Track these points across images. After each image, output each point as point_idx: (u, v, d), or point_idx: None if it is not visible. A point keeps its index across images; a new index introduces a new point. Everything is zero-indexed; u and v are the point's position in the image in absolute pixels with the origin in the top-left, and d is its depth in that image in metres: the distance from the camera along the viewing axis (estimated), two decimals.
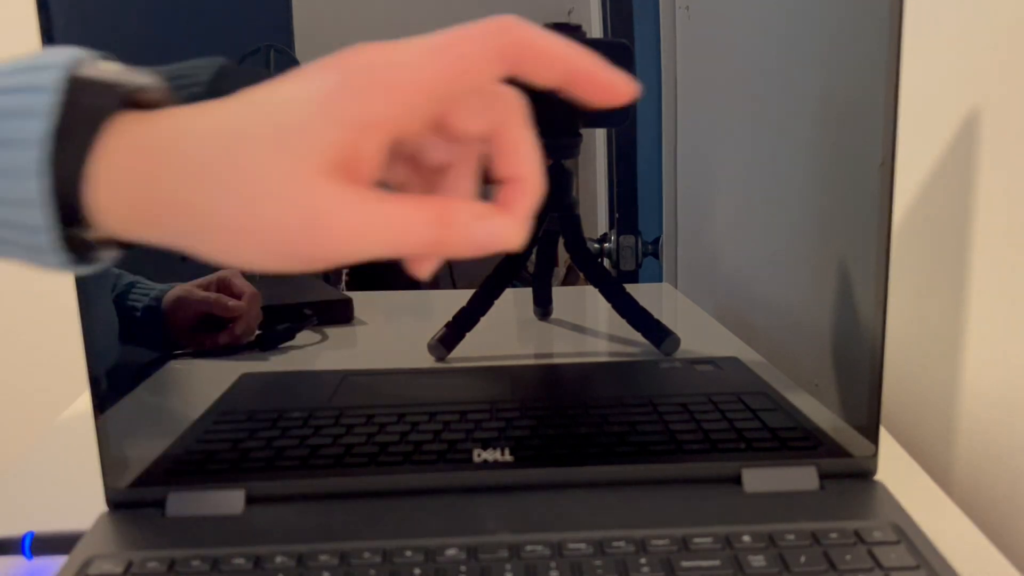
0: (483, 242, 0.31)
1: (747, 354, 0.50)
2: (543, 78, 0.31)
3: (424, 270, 0.32)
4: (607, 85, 0.32)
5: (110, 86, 0.31)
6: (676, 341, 0.51)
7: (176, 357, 0.48)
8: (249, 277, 0.48)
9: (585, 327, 0.52)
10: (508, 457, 0.49)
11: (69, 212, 0.30)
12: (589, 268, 0.49)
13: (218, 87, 0.40)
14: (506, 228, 0.31)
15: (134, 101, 0.31)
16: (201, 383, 0.49)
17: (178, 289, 0.48)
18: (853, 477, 0.49)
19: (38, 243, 0.30)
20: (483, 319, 0.53)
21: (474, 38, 0.30)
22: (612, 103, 0.32)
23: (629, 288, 0.50)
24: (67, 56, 0.31)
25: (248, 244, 0.29)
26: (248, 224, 0.29)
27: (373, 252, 0.30)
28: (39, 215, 0.30)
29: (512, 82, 0.33)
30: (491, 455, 0.49)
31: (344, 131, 0.29)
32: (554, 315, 0.51)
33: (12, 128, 0.29)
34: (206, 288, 0.48)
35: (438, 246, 0.30)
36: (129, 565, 0.42)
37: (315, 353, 0.48)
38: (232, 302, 0.48)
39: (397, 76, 0.30)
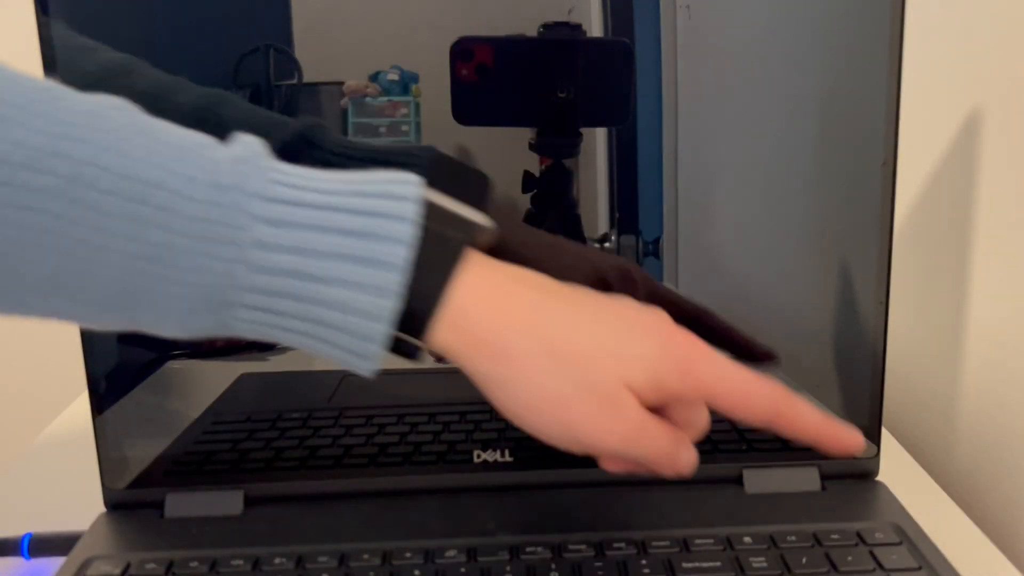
0: (685, 471, 0.38)
1: None
2: (743, 419, 0.37)
3: (615, 467, 0.39)
4: (828, 441, 0.39)
5: (463, 222, 0.35)
6: None
7: (175, 357, 0.48)
8: None
9: None
10: (508, 458, 0.49)
11: (410, 327, 0.34)
12: None
13: (434, 172, 0.42)
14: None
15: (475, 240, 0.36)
16: (200, 383, 0.49)
17: None
18: (854, 478, 0.49)
19: (365, 351, 0.34)
20: None
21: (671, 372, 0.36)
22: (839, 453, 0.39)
23: None
24: (417, 185, 0.34)
25: (541, 417, 0.36)
26: (556, 404, 0.35)
27: (630, 451, 0.36)
28: (381, 330, 0.33)
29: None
30: (491, 456, 0.49)
31: (652, 379, 0.36)
32: None
33: (376, 250, 0.33)
34: None
35: (661, 463, 0.37)
36: (127, 566, 0.42)
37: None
38: None
39: (698, 367, 0.36)
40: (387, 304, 0.33)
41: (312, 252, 0.33)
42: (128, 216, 0.31)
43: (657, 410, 0.38)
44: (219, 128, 0.40)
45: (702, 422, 0.39)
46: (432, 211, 0.34)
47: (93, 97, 0.33)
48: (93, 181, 0.31)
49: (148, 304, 0.32)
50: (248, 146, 0.34)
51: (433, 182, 0.39)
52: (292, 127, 0.44)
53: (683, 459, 0.38)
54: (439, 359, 0.50)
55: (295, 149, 0.44)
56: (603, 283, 0.44)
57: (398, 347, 0.35)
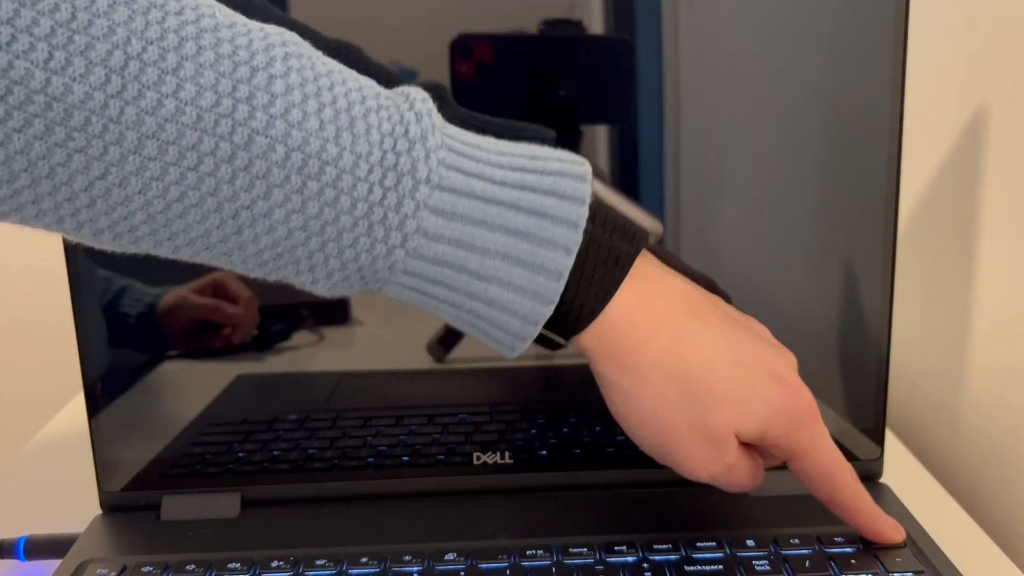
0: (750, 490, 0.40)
1: None
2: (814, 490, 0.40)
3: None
4: (872, 534, 0.41)
5: (630, 230, 0.35)
6: None
7: (171, 358, 0.48)
8: (244, 279, 0.47)
9: None
10: (508, 460, 0.49)
11: (558, 327, 0.35)
12: None
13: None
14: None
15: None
16: (196, 385, 0.48)
17: (173, 296, 0.47)
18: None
19: (511, 344, 0.35)
20: None
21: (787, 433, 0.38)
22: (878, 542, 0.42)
23: None
24: (587, 182, 0.34)
25: (648, 434, 0.37)
26: (667, 429, 0.36)
27: (714, 483, 0.38)
28: (531, 331, 0.34)
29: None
30: (491, 458, 0.49)
31: (762, 430, 0.37)
32: None
33: (539, 255, 0.33)
34: (201, 292, 0.47)
35: (734, 490, 0.39)
36: (123, 569, 0.42)
37: (311, 354, 0.47)
38: (231, 308, 0.48)
39: (804, 432, 0.38)
40: (543, 310, 0.33)
41: (475, 247, 0.32)
42: (296, 189, 0.30)
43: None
44: None
45: (783, 459, 0.40)
46: (603, 215, 0.35)
47: (262, 35, 0.31)
48: (264, 151, 0.30)
49: (305, 269, 0.33)
50: (424, 117, 0.32)
51: None
52: (419, 84, 0.42)
53: (752, 485, 0.40)
54: (439, 359, 0.50)
55: None
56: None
57: (542, 340, 0.36)
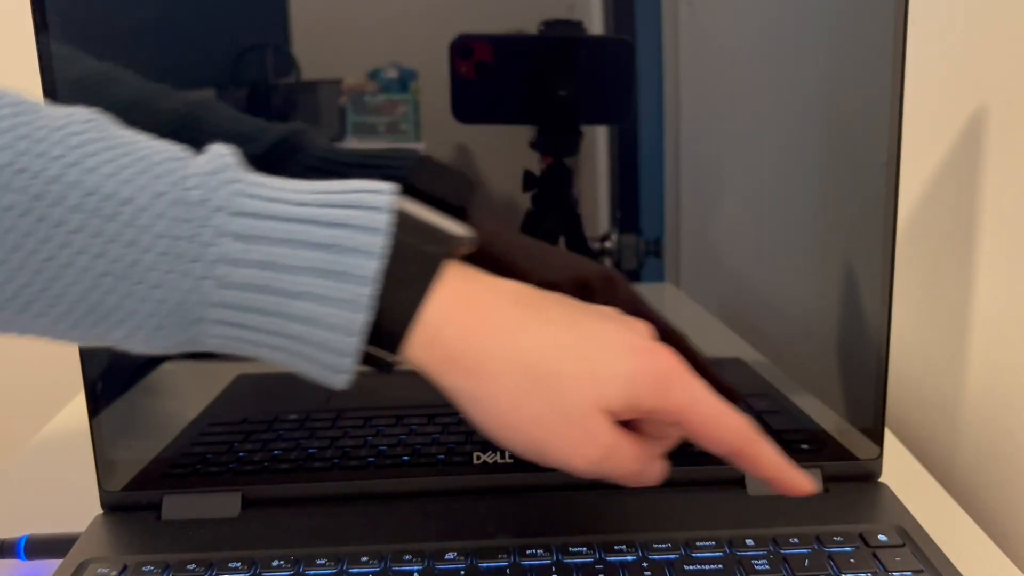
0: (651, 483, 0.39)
1: (750, 355, 0.50)
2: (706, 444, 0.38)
3: (583, 475, 0.38)
4: (782, 483, 0.39)
5: (440, 234, 0.35)
6: None
7: (171, 358, 0.48)
8: None
9: None
10: (508, 459, 0.49)
11: (382, 342, 0.34)
12: None
13: (419, 176, 0.42)
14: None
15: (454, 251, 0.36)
16: (196, 385, 0.48)
17: None
18: (858, 480, 0.49)
19: (337, 365, 0.33)
20: None
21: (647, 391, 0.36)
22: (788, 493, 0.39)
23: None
24: (389, 194, 0.34)
25: (513, 435, 0.35)
26: (530, 424, 0.35)
27: (597, 471, 0.36)
28: (352, 343, 0.33)
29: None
30: (491, 457, 0.49)
31: (628, 398, 0.35)
32: None
33: (345, 263, 0.32)
34: None
35: (627, 480, 0.38)
36: (124, 568, 0.42)
37: None
38: None
39: (675, 388, 0.36)
40: (357, 318, 0.33)
41: (280, 266, 0.32)
42: (95, 233, 0.31)
43: (632, 421, 0.38)
44: (203, 135, 0.41)
45: (675, 435, 0.39)
46: (406, 222, 0.34)
47: (66, 110, 0.32)
48: (59, 199, 0.31)
49: (117, 321, 0.32)
50: (219, 158, 0.33)
51: (417, 185, 0.40)
52: (276, 132, 0.44)
53: (649, 475, 0.39)
54: None
55: (279, 155, 0.43)
56: (587, 289, 0.44)
57: (371, 360, 0.34)
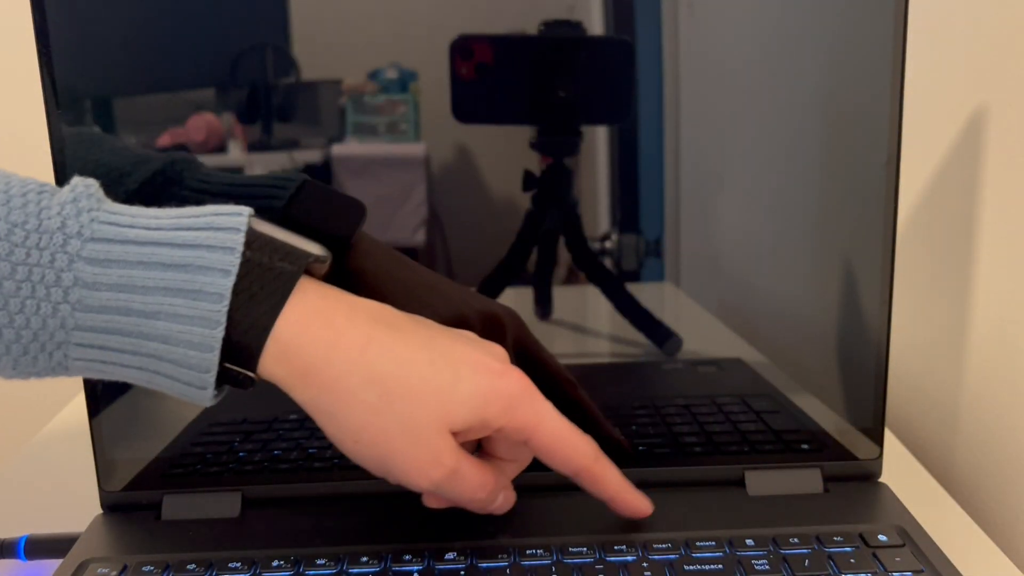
0: (499, 512, 0.41)
1: (750, 355, 0.50)
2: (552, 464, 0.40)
3: (433, 504, 0.41)
4: (621, 504, 0.42)
5: (293, 253, 0.36)
6: (678, 342, 0.50)
7: None
8: None
9: (586, 327, 0.52)
10: None
11: (239, 358, 0.35)
12: (590, 267, 0.49)
13: (299, 202, 0.43)
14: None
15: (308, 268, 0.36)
16: None
17: None
18: (857, 480, 0.49)
19: (198, 382, 0.34)
20: None
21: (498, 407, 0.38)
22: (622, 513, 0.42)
23: (631, 288, 0.49)
24: (240, 217, 0.35)
25: (363, 450, 0.36)
26: (378, 439, 0.36)
27: (441, 493, 0.38)
28: (210, 359, 0.34)
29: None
30: None
31: (476, 418, 0.37)
32: (554, 315, 0.51)
33: (198, 281, 0.33)
34: None
35: (472, 506, 0.39)
36: (124, 568, 0.42)
37: None
38: None
39: (522, 407, 0.38)
40: (213, 334, 0.34)
41: (136, 288, 0.34)
42: None
43: (484, 444, 0.40)
44: (84, 168, 0.43)
45: (526, 457, 0.40)
46: (258, 241, 0.35)
47: None
48: None
49: None
50: (79, 188, 0.35)
51: (296, 213, 0.42)
52: (154, 164, 0.45)
53: (497, 504, 0.40)
54: None
55: (156, 186, 0.44)
56: (464, 326, 0.44)
57: (231, 377, 0.35)
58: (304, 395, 0.36)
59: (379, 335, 0.36)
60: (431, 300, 0.45)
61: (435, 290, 0.46)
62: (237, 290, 0.34)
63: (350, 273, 0.43)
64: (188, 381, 0.35)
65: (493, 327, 0.45)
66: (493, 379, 0.37)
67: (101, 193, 0.35)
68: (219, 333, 0.34)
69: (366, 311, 0.37)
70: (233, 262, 0.34)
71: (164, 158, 0.45)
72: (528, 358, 0.46)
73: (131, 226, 0.34)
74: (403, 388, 0.36)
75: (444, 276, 0.47)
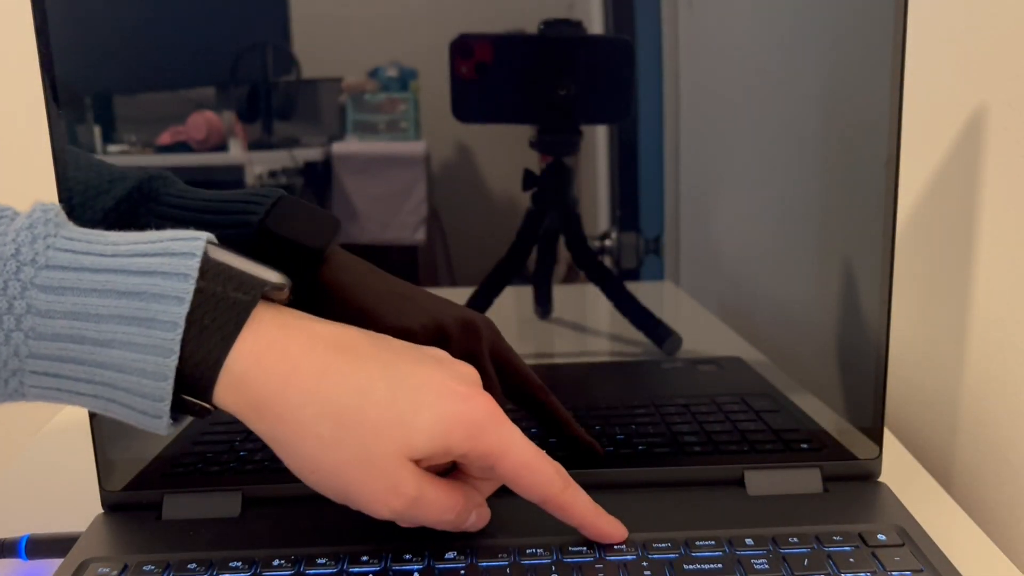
0: (472, 529, 0.41)
1: (750, 354, 0.50)
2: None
3: (405, 525, 0.39)
4: (592, 530, 0.41)
5: (250, 282, 0.35)
6: (678, 341, 0.50)
7: None
8: None
9: (585, 326, 0.52)
10: None
11: (193, 389, 0.34)
12: (589, 266, 0.49)
13: (274, 216, 0.43)
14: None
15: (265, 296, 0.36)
16: None
17: None
18: (857, 479, 0.49)
19: (153, 410, 0.34)
20: None
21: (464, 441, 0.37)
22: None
23: (630, 287, 0.49)
24: (197, 242, 0.34)
25: (322, 480, 0.36)
26: (335, 471, 0.36)
27: (405, 520, 0.37)
28: (165, 388, 0.33)
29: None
30: None
31: (438, 446, 0.36)
32: (554, 314, 0.51)
33: (152, 309, 0.33)
34: None
35: (442, 528, 0.39)
36: (125, 568, 0.42)
37: None
38: None
39: (488, 434, 0.37)
40: (166, 362, 0.33)
41: (90, 315, 0.33)
42: None
43: (456, 463, 0.39)
44: (60, 184, 0.43)
45: (484, 470, 0.39)
46: (216, 270, 0.35)
47: None
48: None
49: None
50: (36, 213, 0.34)
51: (272, 227, 0.42)
52: (130, 181, 0.44)
53: (470, 522, 0.40)
54: None
55: (133, 202, 0.44)
56: (442, 334, 0.45)
57: (186, 406, 0.35)
58: (259, 427, 0.35)
59: (336, 364, 0.36)
60: (406, 309, 0.45)
61: (410, 300, 0.46)
62: (190, 320, 0.33)
63: (324, 286, 0.43)
64: (143, 410, 0.34)
65: (469, 334, 0.45)
66: (457, 404, 0.36)
67: (61, 218, 0.35)
68: (172, 362, 0.33)
69: (325, 338, 0.36)
70: (187, 289, 0.33)
71: (140, 175, 0.44)
72: (501, 365, 0.46)
73: (87, 252, 0.34)
74: (358, 419, 0.35)
75: (418, 286, 0.47)
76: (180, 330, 0.33)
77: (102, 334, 0.33)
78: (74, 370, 0.34)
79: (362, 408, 0.35)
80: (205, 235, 0.35)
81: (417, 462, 0.37)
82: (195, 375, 0.34)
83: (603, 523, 0.41)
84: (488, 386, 0.43)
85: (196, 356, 0.34)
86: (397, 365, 0.37)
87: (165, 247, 0.34)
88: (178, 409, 0.35)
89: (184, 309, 0.33)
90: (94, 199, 0.43)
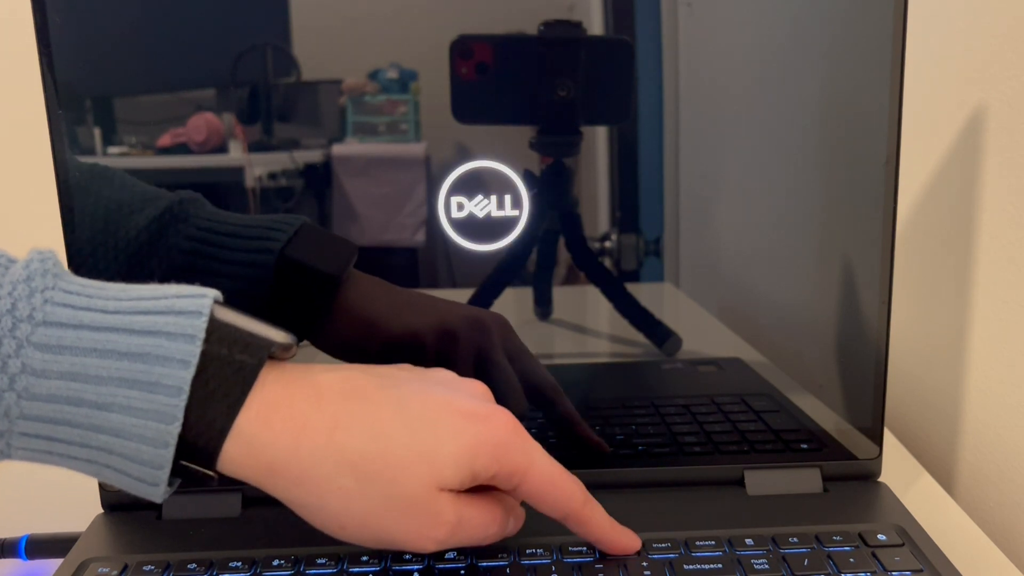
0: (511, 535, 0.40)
1: (750, 355, 0.50)
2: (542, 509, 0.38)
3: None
4: (609, 544, 0.41)
5: (255, 343, 0.33)
6: (678, 342, 0.50)
7: None
8: None
9: (585, 327, 0.52)
10: None
11: (196, 456, 0.33)
12: (590, 267, 0.49)
13: (296, 243, 0.43)
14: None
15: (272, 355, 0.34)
16: None
17: None
18: (857, 479, 0.49)
19: (152, 478, 0.32)
20: None
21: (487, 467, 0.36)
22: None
23: (630, 288, 0.49)
24: (204, 300, 0.33)
25: (354, 533, 0.35)
26: (367, 521, 0.35)
27: (451, 546, 0.36)
28: (165, 455, 0.32)
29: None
30: None
31: (466, 473, 0.35)
32: (554, 315, 0.51)
33: (156, 372, 0.31)
34: None
35: (487, 543, 0.38)
36: (124, 568, 0.42)
37: (313, 353, 0.47)
38: None
39: (512, 454, 0.37)
40: (168, 429, 0.32)
41: (88, 377, 0.31)
42: None
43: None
44: (89, 203, 0.42)
45: (510, 488, 0.38)
46: (221, 330, 0.33)
47: None
48: None
49: None
50: (34, 264, 0.33)
51: (292, 254, 0.41)
52: (162, 202, 0.44)
53: (510, 529, 0.39)
54: None
55: (164, 223, 0.44)
56: (449, 333, 0.44)
57: (188, 473, 0.33)
58: (275, 491, 0.34)
59: (348, 414, 0.34)
60: (413, 314, 0.45)
61: (420, 304, 0.46)
62: (195, 384, 0.32)
63: (340, 307, 0.44)
64: (139, 476, 0.33)
65: (477, 332, 0.45)
66: (478, 427, 0.36)
67: (60, 268, 0.33)
68: (175, 429, 0.32)
69: (332, 389, 0.35)
70: (193, 352, 0.32)
71: (172, 197, 0.44)
72: (514, 363, 0.46)
73: (87, 308, 0.32)
74: (381, 464, 0.34)
75: (421, 290, 0.47)
76: (185, 396, 0.31)
77: (101, 396, 0.31)
78: (68, 433, 0.32)
79: (383, 452, 0.34)
80: (212, 292, 0.34)
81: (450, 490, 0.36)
82: (198, 443, 0.32)
83: (619, 536, 0.41)
84: (506, 383, 0.43)
85: (201, 423, 0.32)
86: (409, 400, 0.36)
87: (170, 304, 0.33)
88: (180, 475, 0.34)
89: (190, 373, 0.32)
90: (127, 217, 0.42)
